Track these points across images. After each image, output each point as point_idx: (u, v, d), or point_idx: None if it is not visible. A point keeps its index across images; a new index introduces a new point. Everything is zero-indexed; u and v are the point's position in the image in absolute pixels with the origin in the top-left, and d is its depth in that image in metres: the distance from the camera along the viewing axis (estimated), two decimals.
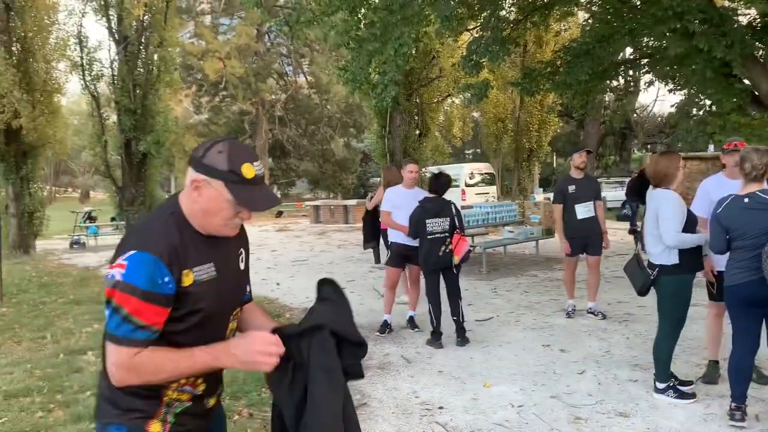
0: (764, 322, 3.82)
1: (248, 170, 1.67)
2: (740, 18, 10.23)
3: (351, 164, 40.57)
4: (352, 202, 24.72)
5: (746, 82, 9.96)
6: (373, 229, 8.60)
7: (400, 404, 4.46)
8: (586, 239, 6.75)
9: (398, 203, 6.48)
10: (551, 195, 21.42)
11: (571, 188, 6.75)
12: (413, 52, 13.36)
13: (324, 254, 13.96)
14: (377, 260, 9.12)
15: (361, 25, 10.07)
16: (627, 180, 19.58)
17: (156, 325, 1.61)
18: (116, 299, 1.57)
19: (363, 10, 10.16)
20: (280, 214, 28.73)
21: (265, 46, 38.32)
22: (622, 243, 12.35)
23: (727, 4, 10.96)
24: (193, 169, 1.68)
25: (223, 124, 37.54)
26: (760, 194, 3.71)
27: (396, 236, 6.55)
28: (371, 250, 9.05)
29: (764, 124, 9.61)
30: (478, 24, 11.06)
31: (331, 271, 11.21)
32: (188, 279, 1.65)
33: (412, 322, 6.69)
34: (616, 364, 5.22)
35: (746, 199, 3.75)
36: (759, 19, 10.13)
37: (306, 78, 40.69)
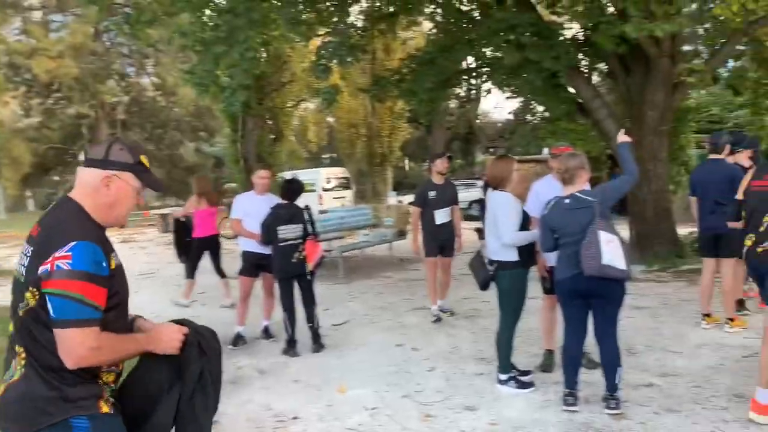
0: (590, 312, 4.16)
1: (146, 160, 2.04)
2: (565, 32, 11.19)
3: (202, 170, 39.08)
4: None
5: (572, 91, 10.91)
6: (182, 241, 8.33)
7: (253, 418, 4.34)
8: (442, 242, 7.00)
9: (249, 210, 6.32)
10: (404, 198, 22.02)
11: (432, 194, 6.92)
12: (262, 56, 13.14)
13: (173, 266, 13.22)
14: (189, 274, 8.67)
15: (206, 28, 9.73)
16: (473, 182, 20.70)
17: (102, 305, 1.83)
18: (70, 287, 1.75)
19: (207, 12, 9.84)
20: None
21: (104, 46, 35.84)
22: (468, 242, 12.99)
23: (554, 18, 11.94)
24: (100, 168, 1.95)
25: (58, 128, 34.61)
26: (579, 195, 4.06)
27: (247, 244, 6.39)
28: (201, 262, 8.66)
29: (588, 130, 10.58)
30: (328, 29, 11.14)
31: (180, 283, 10.66)
32: (113, 263, 1.91)
33: (266, 332, 6.56)
34: (463, 359, 5.46)
35: (567, 200, 4.09)
36: (581, 33, 11.16)
37: (151, 80, 38.64)
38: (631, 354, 5.19)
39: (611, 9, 9.68)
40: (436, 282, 7.10)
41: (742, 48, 10.89)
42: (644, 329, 6.04)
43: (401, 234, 12.21)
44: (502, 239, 4.47)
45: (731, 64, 11.85)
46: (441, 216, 6.88)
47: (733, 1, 7.42)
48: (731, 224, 5.53)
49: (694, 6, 9.26)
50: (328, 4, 10.59)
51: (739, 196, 4.34)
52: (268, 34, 11.64)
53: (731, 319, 5.82)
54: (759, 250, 3.98)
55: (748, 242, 4.09)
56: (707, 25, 10.34)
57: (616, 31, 8.49)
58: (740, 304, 6.24)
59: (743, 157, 6.09)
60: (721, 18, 8.29)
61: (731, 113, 15.76)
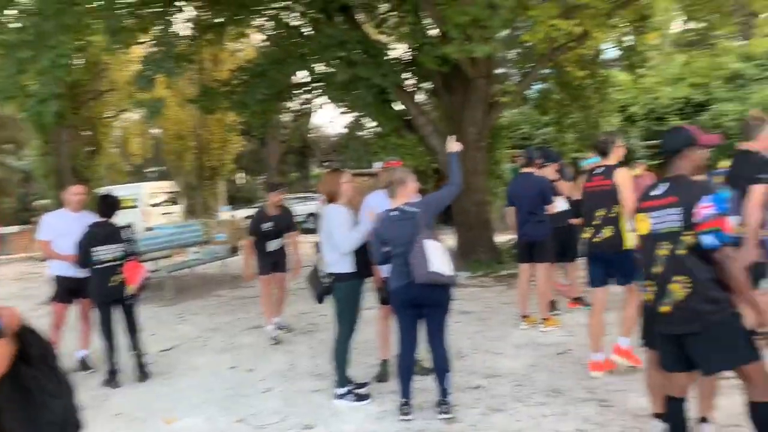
0: (423, 321, 4.28)
1: None
2: (392, 52, 11.64)
3: (8, 186, 35.05)
4: (13, 229, 21.32)
5: (400, 107, 11.36)
6: None
7: None
8: (276, 259, 6.88)
9: (61, 230, 5.73)
10: (238, 212, 21.43)
11: (267, 225, 6.75)
12: (77, 62, 12.12)
13: None
14: None
15: (8, 30, 8.73)
16: (309, 195, 20.70)
17: None
18: None
19: (12, 12, 8.84)
20: None
21: None
22: (306, 255, 12.88)
23: (382, 38, 12.36)
24: None
25: None
26: (405, 207, 4.21)
27: (60, 268, 5.79)
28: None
29: (415, 145, 11.06)
30: (151, 38, 10.54)
31: None
32: None
33: (83, 363, 5.98)
34: (301, 376, 5.38)
35: (394, 213, 4.22)
36: (408, 54, 11.68)
37: None
38: (460, 357, 5.44)
39: (434, 31, 10.24)
40: (272, 299, 6.95)
41: (547, 72, 12.10)
42: (471, 333, 6.39)
43: (234, 250, 11.83)
44: (340, 249, 4.49)
45: (538, 86, 13.10)
46: (274, 245, 6.83)
47: (538, 29, 8.16)
48: (573, 221, 6.45)
49: (506, 32, 10.10)
50: (149, 11, 10.01)
51: (578, 196, 5.22)
52: (84, 39, 10.76)
53: (546, 319, 6.35)
54: (596, 240, 4.67)
55: (587, 234, 4.77)
56: (518, 50, 11.34)
57: (439, 52, 8.98)
58: (553, 305, 6.84)
59: (550, 171, 6.70)
60: (529, 44, 9.11)
61: (539, 131, 17.38)
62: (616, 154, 4.82)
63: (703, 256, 2.86)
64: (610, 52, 14.75)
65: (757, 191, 3.87)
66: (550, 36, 8.29)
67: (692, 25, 17.13)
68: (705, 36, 18.22)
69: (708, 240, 2.82)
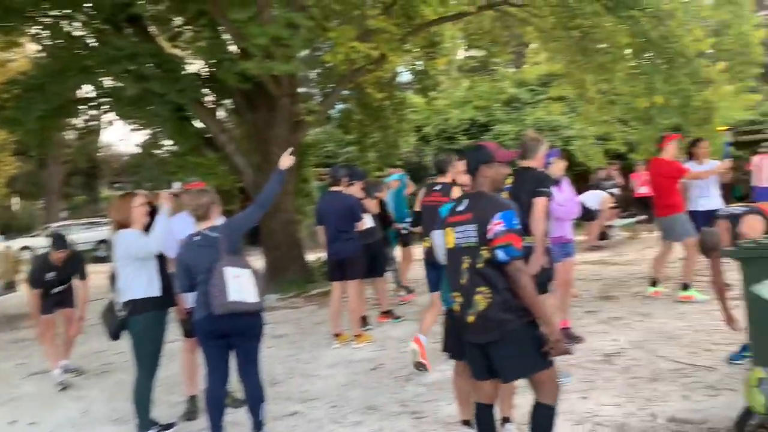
0: (232, 350, 4.04)
1: None
2: (190, 66, 11.14)
3: None
4: None
5: (200, 125, 10.90)
6: None
7: None
8: (61, 297, 6.16)
9: None
10: (14, 242, 18.95)
11: (50, 275, 6.02)
12: None
13: None
14: None
15: None
16: (98, 220, 18.97)
17: None
18: None
19: None
20: None
21: None
22: (95, 288, 11.64)
23: (178, 52, 11.79)
24: None
25: None
26: (206, 232, 3.96)
27: None
28: None
29: (216, 164, 10.69)
30: None
31: None
32: None
33: None
34: (96, 423, 4.83)
35: (197, 238, 3.97)
36: (206, 69, 11.26)
37: None
38: (274, 384, 5.25)
39: (234, 47, 9.99)
40: (57, 339, 6.17)
41: (348, 93, 12.43)
42: (283, 357, 6.23)
43: (11, 286, 10.40)
44: (149, 251, 4.17)
45: (341, 106, 13.42)
46: (59, 289, 6.14)
47: (338, 50, 8.34)
48: (413, 230, 7.01)
49: (307, 51, 10.19)
50: None
51: (417, 208, 5.89)
52: None
53: (358, 336, 6.41)
54: None
55: (426, 244, 4.90)
56: (319, 70, 11.50)
57: (238, 68, 8.76)
58: (364, 321, 6.93)
59: (357, 189, 6.83)
60: (330, 64, 9.26)
61: (342, 149, 17.79)
62: (452, 173, 5.41)
63: (499, 268, 3.03)
64: (405, 75, 15.63)
65: (539, 204, 4.27)
66: (350, 58, 8.50)
67: (474, 52, 18.84)
68: (486, 63, 20.11)
69: (500, 255, 2.99)
